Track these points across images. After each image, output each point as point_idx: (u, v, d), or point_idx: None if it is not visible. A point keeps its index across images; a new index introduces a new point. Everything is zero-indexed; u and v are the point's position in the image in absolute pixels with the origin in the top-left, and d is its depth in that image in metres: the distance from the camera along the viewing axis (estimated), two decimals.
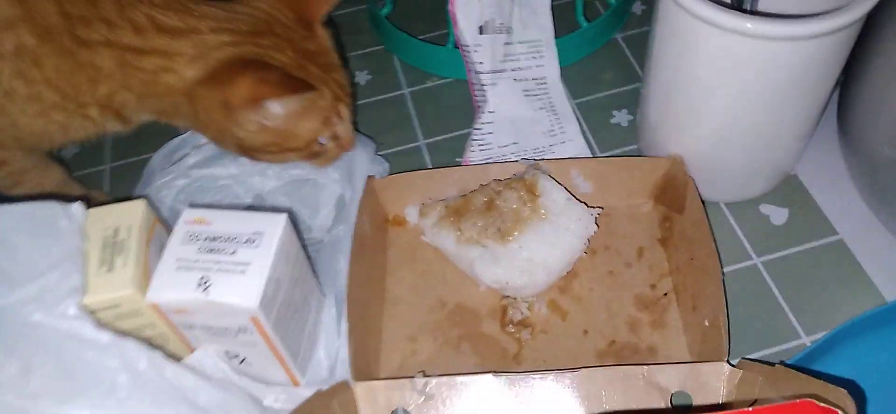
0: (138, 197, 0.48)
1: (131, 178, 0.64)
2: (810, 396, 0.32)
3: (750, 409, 0.31)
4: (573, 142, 0.66)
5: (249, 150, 0.52)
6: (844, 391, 0.32)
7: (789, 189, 0.60)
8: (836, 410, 0.30)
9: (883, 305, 0.49)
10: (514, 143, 0.66)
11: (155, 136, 0.62)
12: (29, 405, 0.35)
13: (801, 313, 0.53)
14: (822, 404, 0.31)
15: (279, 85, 0.46)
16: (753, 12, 0.54)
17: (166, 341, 0.46)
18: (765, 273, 0.56)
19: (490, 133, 0.67)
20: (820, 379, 0.37)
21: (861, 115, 0.55)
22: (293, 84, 0.46)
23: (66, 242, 0.40)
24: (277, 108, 0.48)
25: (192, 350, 0.45)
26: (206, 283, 0.42)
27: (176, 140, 0.63)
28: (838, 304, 0.53)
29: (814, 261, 0.56)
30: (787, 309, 0.53)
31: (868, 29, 0.51)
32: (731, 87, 0.52)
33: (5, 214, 0.39)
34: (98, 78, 0.47)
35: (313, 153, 0.53)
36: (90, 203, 0.46)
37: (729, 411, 0.32)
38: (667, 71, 0.55)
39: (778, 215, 0.59)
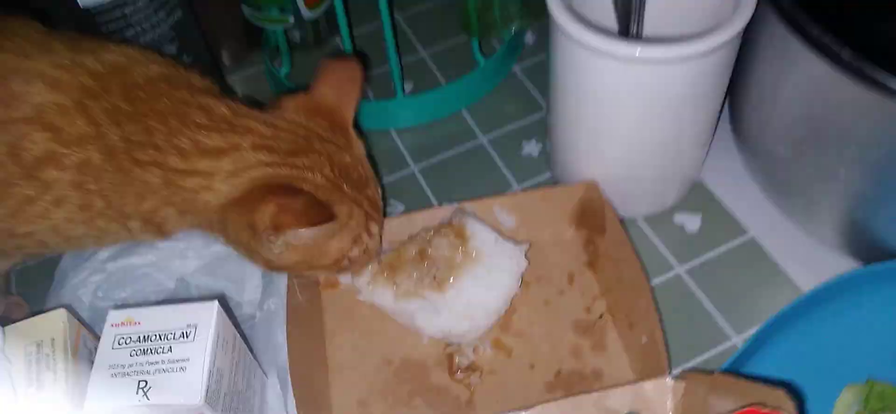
0: (55, 306, 0.45)
1: (39, 278, 0.61)
2: (753, 403, 0.34)
3: None
4: None
5: (279, 269, 0.52)
6: (782, 392, 0.35)
7: (698, 196, 0.64)
8: (779, 410, 0.32)
9: (799, 297, 0.52)
10: None
11: None
12: None
13: (728, 314, 0.56)
14: (766, 410, 0.33)
15: (302, 215, 0.46)
16: (639, 37, 0.57)
17: None
18: (688, 280, 0.59)
19: None
20: (757, 382, 0.39)
21: (753, 119, 0.59)
22: (316, 215, 0.46)
23: None
24: (304, 234, 0.48)
25: None
26: (145, 386, 0.40)
27: None
28: (759, 299, 0.57)
29: (731, 261, 0.59)
30: (713, 312, 0.56)
31: (748, 41, 0.56)
32: (630, 109, 0.54)
33: None
34: (145, 194, 0.48)
35: (342, 267, 0.53)
36: (6, 317, 0.43)
37: None
38: (568, 99, 0.58)
39: (692, 222, 0.62)
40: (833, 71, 0.48)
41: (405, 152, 0.71)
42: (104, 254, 0.59)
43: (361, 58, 0.58)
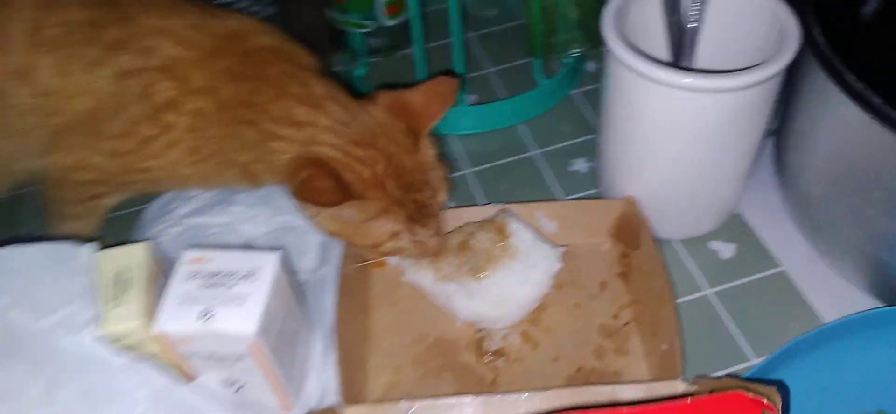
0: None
1: (126, 227, 0.68)
2: (740, 387, 0.37)
3: (688, 401, 0.36)
4: None
5: (330, 235, 0.57)
6: (773, 387, 0.37)
7: (735, 227, 0.66)
8: (761, 397, 0.35)
9: (818, 328, 0.54)
10: None
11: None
12: None
13: (749, 338, 0.59)
14: (750, 394, 0.36)
15: (318, 194, 0.51)
16: (689, 69, 0.61)
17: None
18: (716, 303, 0.61)
19: None
20: (755, 381, 0.42)
21: (792, 158, 0.62)
22: (329, 198, 0.51)
23: (83, 277, 0.44)
24: (323, 210, 0.54)
25: (191, 379, 0.49)
26: (207, 314, 0.46)
27: (165, 196, 0.67)
28: (782, 328, 0.59)
29: (759, 291, 0.62)
30: (736, 334, 0.59)
31: (794, 82, 0.59)
32: (674, 135, 0.58)
33: (30, 253, 0.43)
34: (244, 148, 0.55)
35: (383, 252, 0.58)
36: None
37: (666, 404, 0.37)
38: (618, 122, 0.62)
39: (726, 250, 0.65)
40: (864, 116, 0.50)
41: (462, 156, 0.76)
42: (184, 210, 0.66)
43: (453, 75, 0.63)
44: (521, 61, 0.86)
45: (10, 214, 0.72)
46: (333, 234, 0.57)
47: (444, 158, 0.60)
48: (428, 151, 0.58)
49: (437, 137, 0.59)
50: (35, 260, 0.42)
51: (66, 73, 0.54)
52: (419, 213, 0.56)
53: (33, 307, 0.41)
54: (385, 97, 0.57)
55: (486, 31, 0.92)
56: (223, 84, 0.54)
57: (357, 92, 0.71)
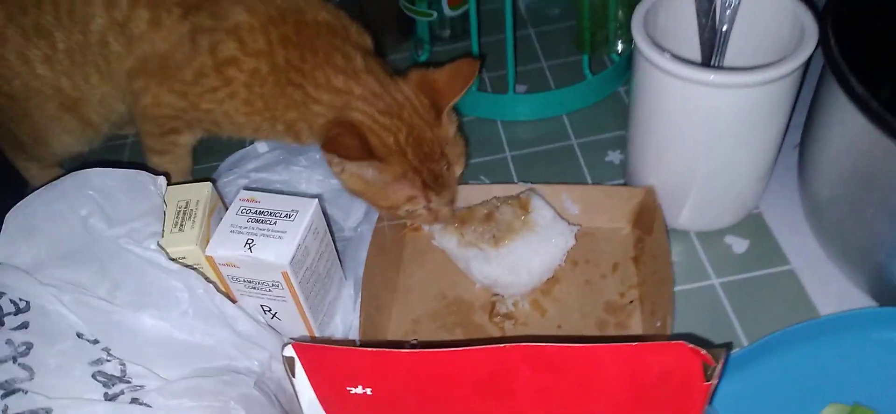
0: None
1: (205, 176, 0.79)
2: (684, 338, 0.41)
3: (633, 344, 0.41)
4: None
5: (353, 192, 0.65)
6: (722, 349, 0.42)
7: (752, 224, 0.69)
8: (703, 350, 0.40)
9: (809, 321, 0.57)
10: None
11: (224, 151, 0.78)
12: (116, 310, 0.48)
13: (746, 326, 0.62)
14: (693, 346, 0.40)
15: (343, 148, 0.59)
16: (720, 68, 0.65)
17: None
18: (720, 291, 0.65)
19: None
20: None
21: (808, 161, 0.64)
22: (352, 153, 0.59)
23: (152, 201, 0.53)
24: (348, 164, 0.61)
25: (235, 301, 0.58)
26: (251, 244, 0.55)
27: (239, 152, 0.78)
28: (781, 322, 0.61)
29: (765, 285, 0.64)
30: (734, 322, 0.62)
31: (817, 88, 0.61)
32: (694, 130, 0.62)
33: (110, 175, 0.52)
34: (290, 106, 0.64)
35: (399, 215, 0.65)
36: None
37: (614, 345, 0.41)
38: (643, 116, 0.66)
39: (739, 245, 0.68)
40: (865, 120, 0.53)
41: (504, 140, 0.82)
42: (251, 165, 0.76)
43: (483, 58, 0.70)
44: (573, 58, 0.91)
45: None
46: (356, 192, 0.64)
47: (463, 134, 0.67)
48: (448, 126, 0.65)
49: (477, 120, 0.66)
50: (115, 181, 0.52)
51: (157, 25, 0.65)
52: (434, 181, 0.63)
53: (108, 218, 0.50)
54: (415, 75, 0.65)
55: (545, 28, 0.98)
56: (277, 49, 0.63)
57: None
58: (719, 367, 0.41)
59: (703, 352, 0.41)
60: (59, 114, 0.72)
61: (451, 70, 0.64)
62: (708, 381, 0.41)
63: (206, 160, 0.84)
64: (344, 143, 0.59)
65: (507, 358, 0.42)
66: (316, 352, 0.44)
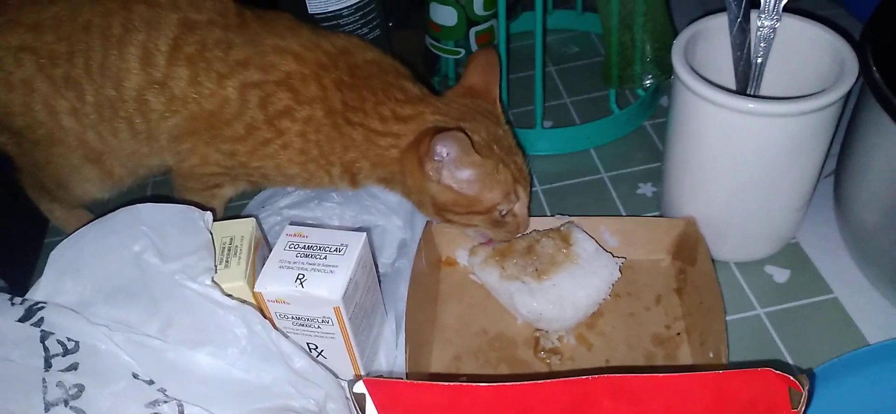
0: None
1: (235, 214, 0.77)
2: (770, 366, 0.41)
3: (719, 372, 0.40)
4: None
5: (442, 209, 0.64)
6: (803, 374, 0.41)
7: (791, 254, 0.69)
8: (789, 376, 0.39)
9: (862, 349, 0.56)
10: None
11: (252, 190, 0.76)
12: (170, 348, 0.46)
13: (797, 356, 0.61)
14: (780, 372, 0.39)
15: (459, 140, 0.58)
16: (752, 95, 0.65)
17: None
18: (766, 321, 0.64)
19: None
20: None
21: (848, 188, 0.65)
22: (466, 144, 0.59)
23: (202, 236, 0.52)
24: (456, 158, 0.60)
25: None
26: (302, 279, 0.54)
27: (267, 191, 0.76)
28: (831, 350, 0.61)
29: (811, 314, 0.64)
30: (783, 350, 0.62)
31: (853, 116, 0.62)
32: (734, 159, 0.62)
33: (161, 210, 0.51)
34: (349, 147, 0.64)
35: (495, 221, 0.65)
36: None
37: (697, 374, 0.41)
38: (682, 146, 0.66)
39: (780, 275, 0.68)
40: None
41: (534, 174, 0.82)
42: (283, 202, 0.74)
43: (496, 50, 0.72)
44: (597, 94, 0.92)
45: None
46: (444, 205, 0.63)
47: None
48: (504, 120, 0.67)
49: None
50: (166, 216, 0.51)
51: (197, 83, 0.64)
52: (519, 174, 0.64)
53: (160, 254, 0.49)
54: (453, 90, 0.67)
55: (566, 65, 0.98)
56: (333, 93, 0.63)
57: None
58: (806, 393, 0.40)
59: (791, 378, 0.40)
60: (82, 164, 0.70)
61: (474, 69, 0.67)
62: (795, 408, 0.40)
63: (234, 199, 0.82)
64: (455, 136, 0.58)
65: (589, 390, 0.41)
66: (389, 388, 0.42)
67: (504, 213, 0.64)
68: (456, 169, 0.61)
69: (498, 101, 0.67)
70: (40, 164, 0.72)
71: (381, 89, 0.64)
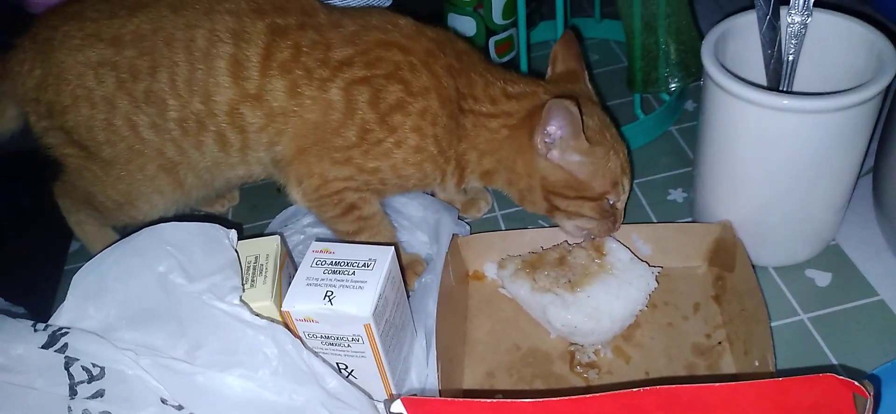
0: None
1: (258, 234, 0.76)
2: (831, 371, 0.38)
3: (779, 379, 0.37)
4: None
5: (552, 192, 0.62)
6: (866, 380, 0.39)
7: (832, 256, 0.67)
8: (853, 381, 0.37)
9: None
10: None
11: (274, 208, 0.75)
12: (199, 372, 0.45)
13: (846, 361, 0.59)
14: (843, 377, 0.37)
15: (567, 107, 0.57)
16: (787, 92, 0.63)
17: None
18: (810, 326, 0.62)
19: None
20: None
21: (889, 185, 0.62)
22: (580, 123, 0.58)
23: (227, 254, 0.50)
24: (573, 152, 0.60)
25: None
26: (330, 296, 0.52)
27: (291, 209, 0.75)
28: (880, 353, 0.58)
29: (856, 317, 0.62)
30: (830, 355, 0.59)
31: (892, 115, 0.60)
32: (770, 159, 0.60)
33: (184, 229, 0.50)
34: (462, 136, 0.63)
35: (603, 211, 0.63)
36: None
37: (757, 382, 0.38)
38: (715, 148, 0.64)
39: (822, 278, 0.65)
40: None
41: None
42: (307, 220, 0.73)
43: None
44: (620, 100, 0.90)
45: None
46: (553, 186, 0.62)
47: None
48: None
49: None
50: (190, 234, 0.49)
51: (296, 93, 0.61)
52: (626, 165, 0.63)
53: (187, 274, 0.47)
54: (553, 76, 0.67)
55: (592, 71, 0.97)
56: (446, 80, 0.61)
57: None
58: (871, 399, 0.38)
59: (856, 383, 0.38)
60: (157, 174, 0.67)
61: (560, 53, 0.67)
62: None
63: (255, 218, 0.81)
64: (572, 114, 0.57)
65: (640, 403, 0.39)
66: (429, 406, 0.40)
67: (612, 202, 0.62)
68: (568, 149, 0.60)
69: (588, 86, 0.67)
70: (108, 182, 0.68)
71: (488, 72, 0.63)
